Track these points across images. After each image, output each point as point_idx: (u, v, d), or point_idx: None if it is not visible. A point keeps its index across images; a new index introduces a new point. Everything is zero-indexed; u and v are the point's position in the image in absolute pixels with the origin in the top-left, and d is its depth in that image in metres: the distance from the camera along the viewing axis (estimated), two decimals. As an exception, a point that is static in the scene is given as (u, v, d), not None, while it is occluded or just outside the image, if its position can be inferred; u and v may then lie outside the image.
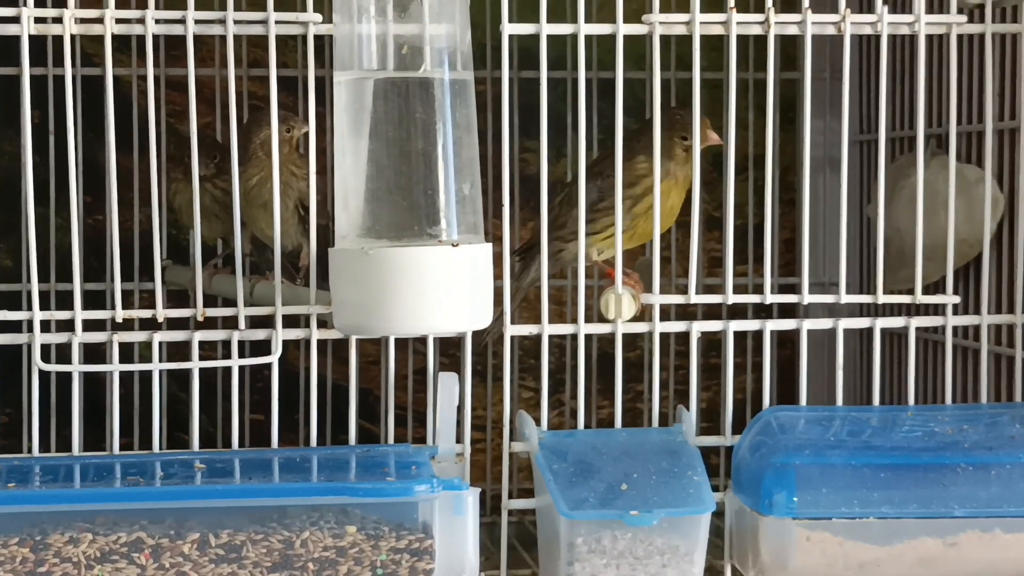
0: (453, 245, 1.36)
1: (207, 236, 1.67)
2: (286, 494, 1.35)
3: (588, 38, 1.48)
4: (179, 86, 1.95)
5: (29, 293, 1.44)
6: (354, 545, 1.35)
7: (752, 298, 1.54)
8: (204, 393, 1.49)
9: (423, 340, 1.88)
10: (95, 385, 1.72)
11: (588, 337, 1.51)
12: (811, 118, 1.50)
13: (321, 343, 1.49)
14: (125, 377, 1.47)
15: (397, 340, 1.50)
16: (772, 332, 1.53)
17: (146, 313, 1.47)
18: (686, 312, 1.69)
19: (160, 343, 1.47)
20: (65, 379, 1.46)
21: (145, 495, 1.33)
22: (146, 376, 1.73)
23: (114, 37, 1.43)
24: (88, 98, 1.72)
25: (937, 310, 1.57)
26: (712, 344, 1.90)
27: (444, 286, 1.36)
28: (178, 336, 1.48)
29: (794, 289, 1.58)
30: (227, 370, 1.47)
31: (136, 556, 1.33)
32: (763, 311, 1.75)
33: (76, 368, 1.45)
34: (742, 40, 1.51)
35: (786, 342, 1.95)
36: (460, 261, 1.37)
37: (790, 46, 1.89)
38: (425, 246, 1.36)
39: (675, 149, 1.55)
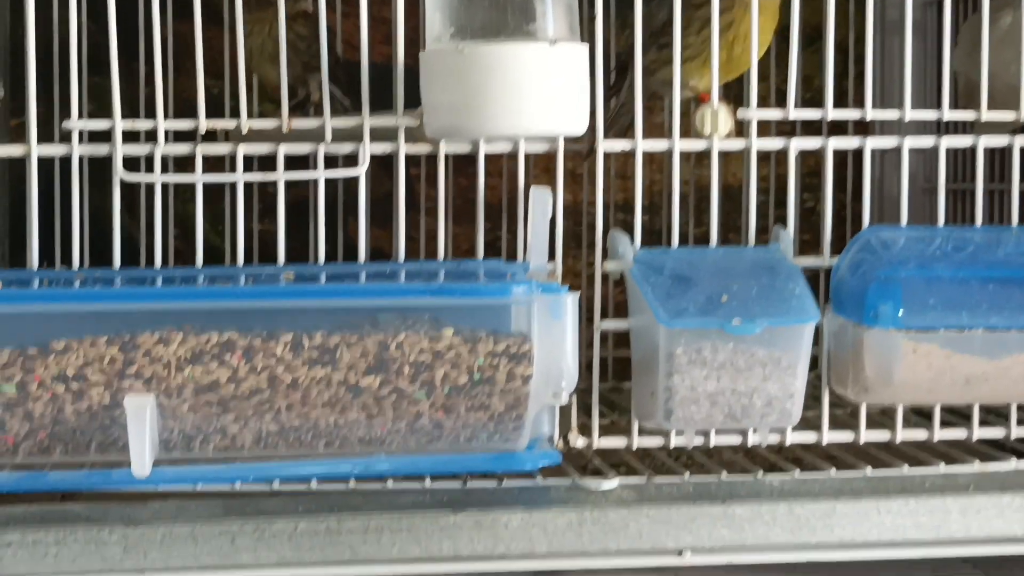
0: (550, 43, 1.32)
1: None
2: (381, 294, 1.31)
3: None
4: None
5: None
6: (451, 348, 1.31)
7: (852, 113, 1.49)
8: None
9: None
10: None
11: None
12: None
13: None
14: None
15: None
16: (872, 152, 1.49)
17: (230, 123, 1.43)
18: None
19: (243, 156, 1.43)
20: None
21: (237, 294, 1.30)
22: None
23: None
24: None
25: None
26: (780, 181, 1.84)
27: (540, 85, 1.32)
28: (262, 149, 1.44)
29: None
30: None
31: (228, 357, 1.29)
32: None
33: (158, 179, 1.41)
34: None
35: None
36: (557, 59, 1.33)
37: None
38: (521, 42, 1.32)
39: None
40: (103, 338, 1.28)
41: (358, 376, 1.30)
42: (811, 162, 1.91)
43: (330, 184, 1.46)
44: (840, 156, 1.52)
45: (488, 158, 1.43)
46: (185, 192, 1.93)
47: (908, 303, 1.38)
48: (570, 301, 1.33)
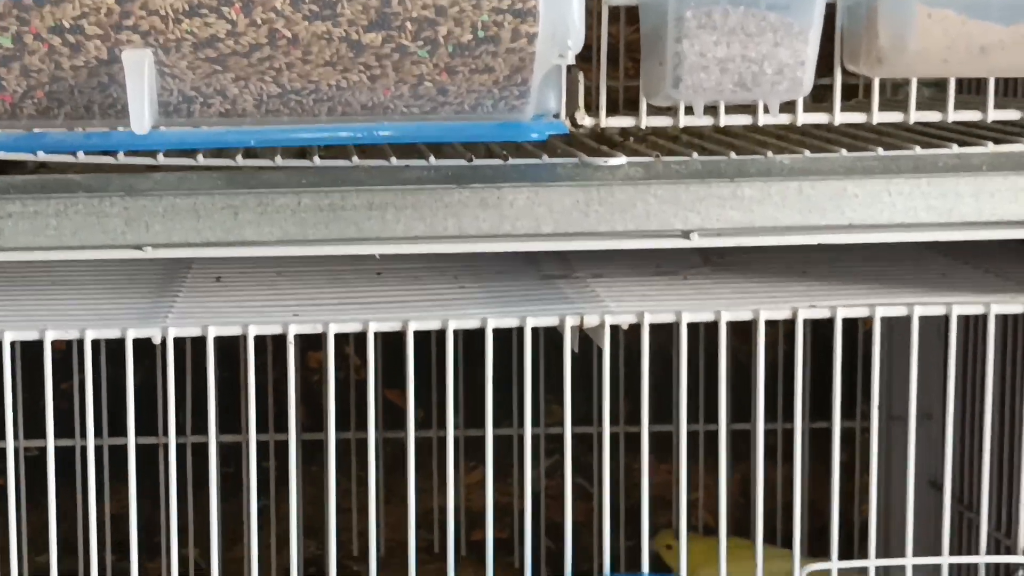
0: None
1: None
2: (382, -54, 1.27)
3: None
4: None
5: None
6: (454, 4, 1.28)
7: None
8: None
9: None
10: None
11: None
12: None
13: None
14: None
15: None
16: None
17: None
18: None
19: None
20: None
21: (235, -56, 1.26)
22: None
23: None
24: None
25: None
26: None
27: None
28: None
29: None
30: None
31: (226, 11, 1.26)
32: None
33: None
34: None
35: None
36: None
37: None
38: None
39: None
40: (100, -11, 1.25)
41: (359, 32, 1.27)
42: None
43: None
44: None
45: None
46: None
47: (924, -36, 1.35)
48: (577, -45, 1.29)
